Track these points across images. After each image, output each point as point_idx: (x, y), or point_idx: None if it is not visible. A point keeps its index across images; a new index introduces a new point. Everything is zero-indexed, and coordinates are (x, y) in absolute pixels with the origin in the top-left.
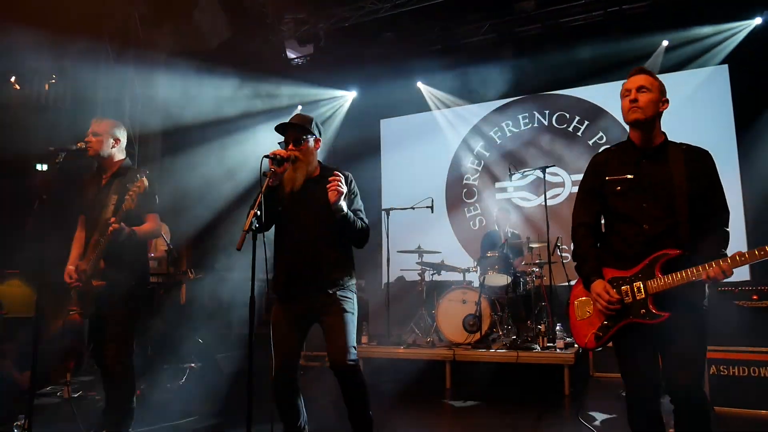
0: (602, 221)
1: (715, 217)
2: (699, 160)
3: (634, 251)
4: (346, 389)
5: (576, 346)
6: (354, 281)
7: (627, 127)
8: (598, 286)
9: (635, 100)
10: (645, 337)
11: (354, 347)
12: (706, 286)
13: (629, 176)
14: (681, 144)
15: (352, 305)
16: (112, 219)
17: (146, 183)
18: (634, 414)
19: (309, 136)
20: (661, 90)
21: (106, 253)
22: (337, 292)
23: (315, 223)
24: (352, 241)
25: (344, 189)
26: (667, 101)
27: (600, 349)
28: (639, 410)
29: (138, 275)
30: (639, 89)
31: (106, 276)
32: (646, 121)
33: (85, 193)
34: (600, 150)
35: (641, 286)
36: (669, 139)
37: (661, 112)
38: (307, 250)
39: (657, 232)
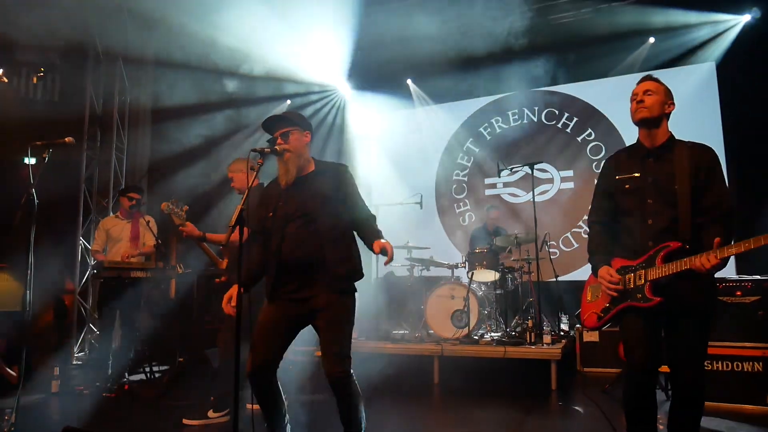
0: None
1: (718, 210)
2: (701, 155)
3: (640, 244)
4: (339, 397)
5: (563, 341)
6: (358, 278)
7: (618, 126)
8: (603, 270)
9: (641, 101)
10: (647, 318)
11: (349, 357)
12: (715, 284)
13: (636, 174)
14: (687, 142)
15: (351, 310)
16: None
17: None
18: (629, 387)
19: (295, 128)
20: (667, 93)
21: None
22: (339, 294)
23: (315, 219)
24: None
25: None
26: (673, 104)
27: (603, 328)
28: (635, 383)
29: None
30: (645, 92)
31: None
32: (652, 119)
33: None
34: (590, 147)
35: (643, 273)
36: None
37: (668, 114)
38: (307, 248)
39: (660, 226)
